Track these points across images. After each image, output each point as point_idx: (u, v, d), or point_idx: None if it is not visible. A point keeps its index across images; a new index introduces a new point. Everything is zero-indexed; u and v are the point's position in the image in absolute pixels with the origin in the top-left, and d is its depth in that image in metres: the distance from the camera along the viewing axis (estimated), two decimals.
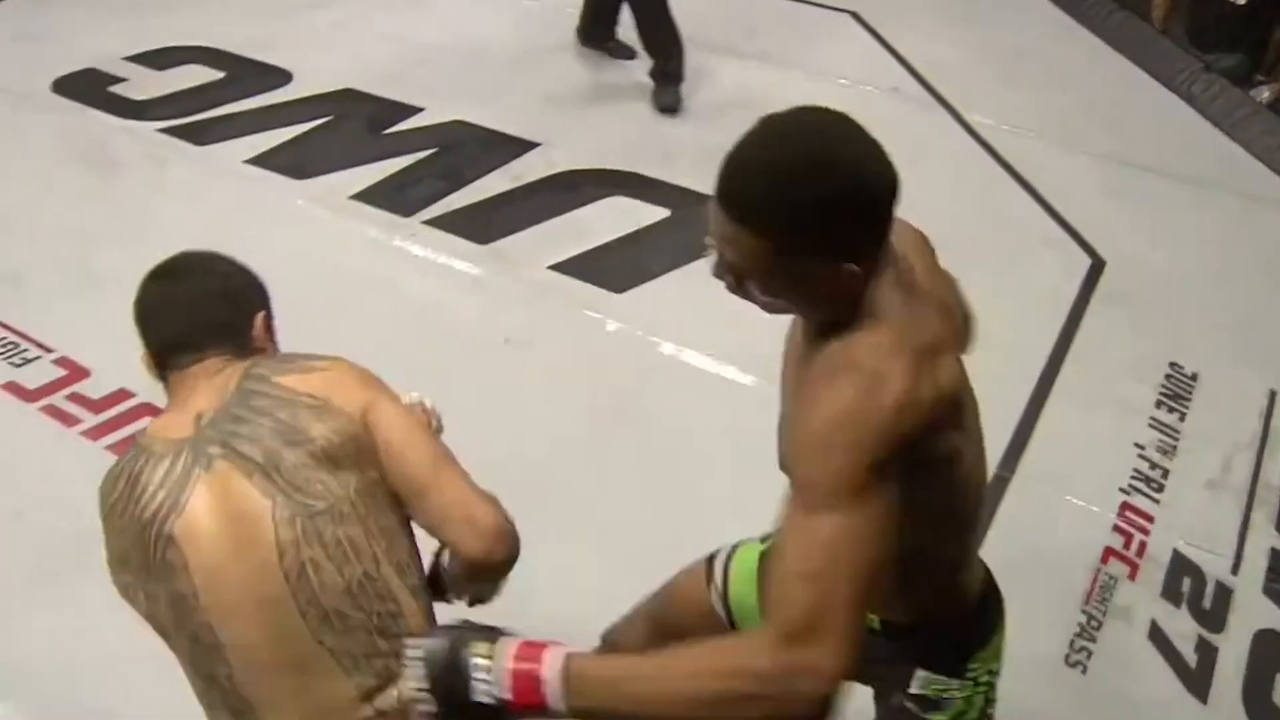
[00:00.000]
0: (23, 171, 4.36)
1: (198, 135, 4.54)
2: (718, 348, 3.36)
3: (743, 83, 4.80)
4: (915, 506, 1.23)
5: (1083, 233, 4.11)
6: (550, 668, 1.20)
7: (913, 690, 1.51)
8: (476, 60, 4.97)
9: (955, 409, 1.29)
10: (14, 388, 3.34)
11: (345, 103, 4.68)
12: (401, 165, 4.27)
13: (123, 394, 3.29)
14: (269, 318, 1.73)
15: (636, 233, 3.93)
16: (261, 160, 4.34)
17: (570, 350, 3.43)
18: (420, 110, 4.61)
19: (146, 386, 3.06)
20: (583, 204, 4.07)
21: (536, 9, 5.35)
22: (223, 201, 4.10)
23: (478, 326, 3.48)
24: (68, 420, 3.24)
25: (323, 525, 1.49)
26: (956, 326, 1.42)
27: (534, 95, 4.68)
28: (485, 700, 1.21)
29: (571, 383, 3.30)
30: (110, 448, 3.13)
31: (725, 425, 3.09)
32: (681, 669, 1.17)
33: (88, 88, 4.98)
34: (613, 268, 3.74)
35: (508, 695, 1.20)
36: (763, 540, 1.75)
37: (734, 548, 1.81)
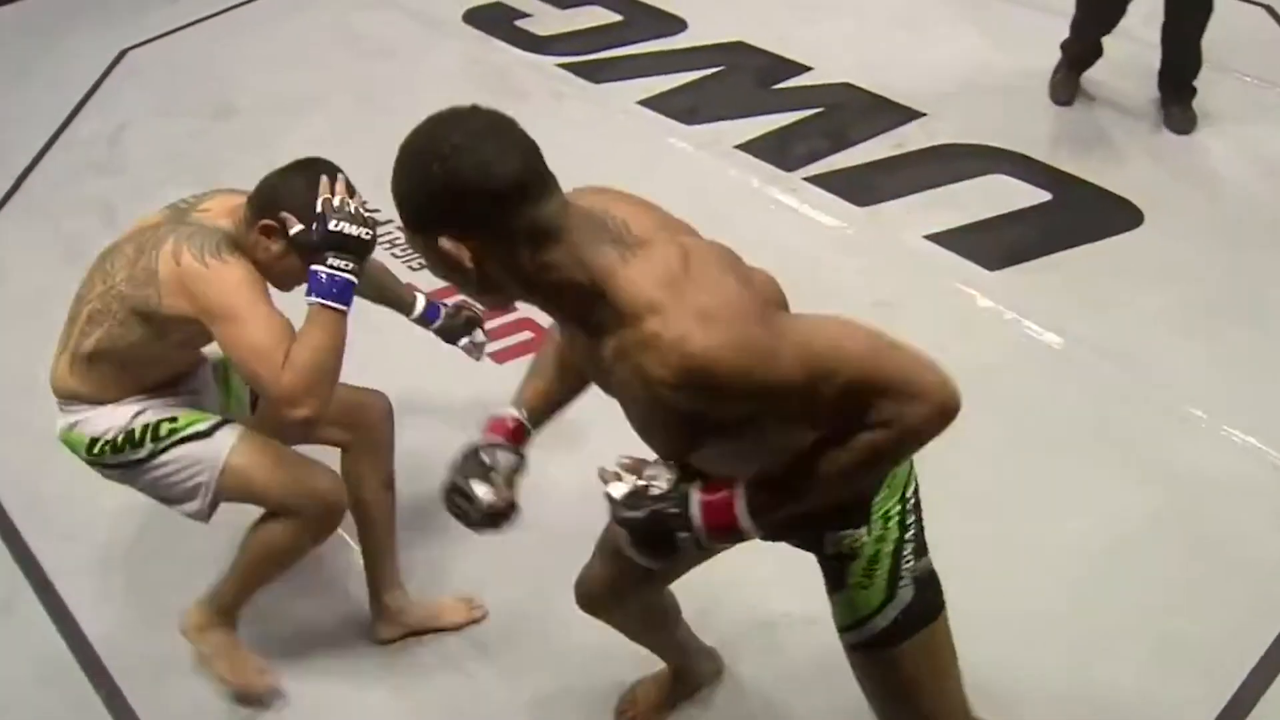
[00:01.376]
0: (433, 93, 4.77)
1: (594, 73, 4.93)
2: (1087, 338, 3.40)
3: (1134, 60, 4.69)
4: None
5: None
6: (738, 495, 1.53)
7: (827, 552, 1.74)
8: (867, 24, 5.11)
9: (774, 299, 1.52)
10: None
11: (737, 55, 4.94)
12: (787, 121, 4.49)
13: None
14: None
15: (1015, 212, 3.99)
16: (653, 103, 4.68)
17: (937, 321, 3.54)
18: (809, 69, 4.81)
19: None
20: (962, 178, 4.16)
21: None
22: (614, 137, 4.46)
23: (848, 286, 3.66)
24: None
25: None
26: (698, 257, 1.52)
27: (922, 65, 4.78)
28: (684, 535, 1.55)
29: (935, 355, 3.41)
30: (492, 354, 3.47)
31: (1086, 413, 3.15)
32: (837, 464, 1.50)
33: (495, 20, 5.50)
34: (988, 245, 3.83)
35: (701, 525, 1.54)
36: None
37: None
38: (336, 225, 2.08)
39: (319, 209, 2.09)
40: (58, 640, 2.86)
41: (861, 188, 4.12)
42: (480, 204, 1.42)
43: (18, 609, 2.97)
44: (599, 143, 4.41)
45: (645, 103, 4.67)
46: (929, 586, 1.78)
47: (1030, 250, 3.80)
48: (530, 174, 1.45)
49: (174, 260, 2.14)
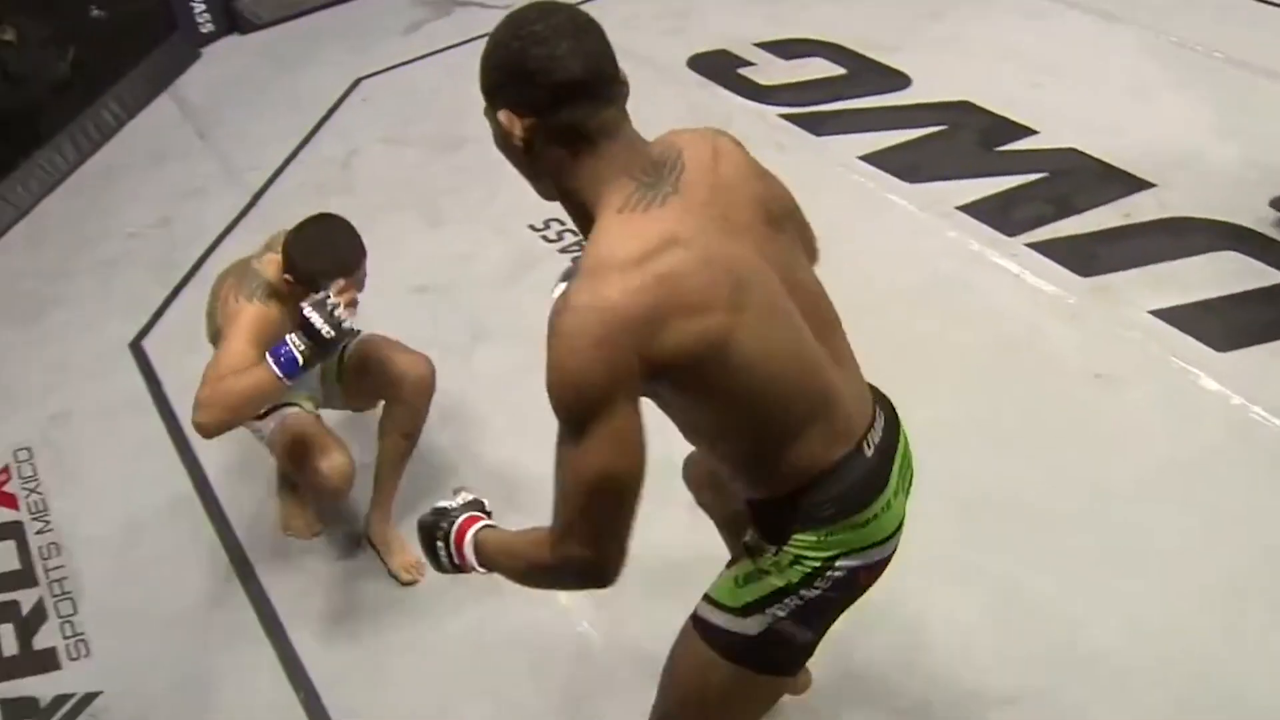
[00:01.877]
0: (652, 137, 4.99)
1: (816, 126, 5.01)
2: None
3: None
4: (699, 397, 1.65)
5: None
6: (468, 540, 1.89)
7: (745, 539, 1.85)
8: (1096, 88, 5.06)
9: (710, 300, 1.57)
10: None
11: (960, 114, 4.95)
12: (1010, 185, 4.47)
13: None
14: None
15: (1248, 292, 3.90)
16: (874, 159, 4.73)
17: (1156, 400, 3.50)
18: (1035, 133, 4.78)
19: None
20: (1193, 253, 4.08)
21: (1162, 44, 5.32)
22: (834, 191, 4.52)
23: (1066, 356, 3.64)
24: None
25: None
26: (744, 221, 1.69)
27: (1153, 133, 4.71)
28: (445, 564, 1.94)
29: (1154, 433, 3.39)
30: None
31: None
32: (517, 553, 1.79)
33: (718, 68, 5.63)
34: (1217, 324, 3.75)
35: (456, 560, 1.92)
36: None
37: None
38: (310, 315, 2.54)
39: (312, 298, 2.59)
40: None
41: (1085, 257, 4.07)
42: (535, 90, 1.58)
43: None
44: (818, 196, 4.36)
45: (866, 158, 4.71)
46: (778, 648, 1.82)
47: (1262, 333, 3.71)
48: (590, 78, 1.58)
49: (230, 298, 2.80)
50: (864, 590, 1.85)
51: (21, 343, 4.52)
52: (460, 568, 1.92)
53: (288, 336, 2.59)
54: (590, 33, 1.61)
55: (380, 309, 3.26)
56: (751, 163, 1.82)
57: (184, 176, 5.38)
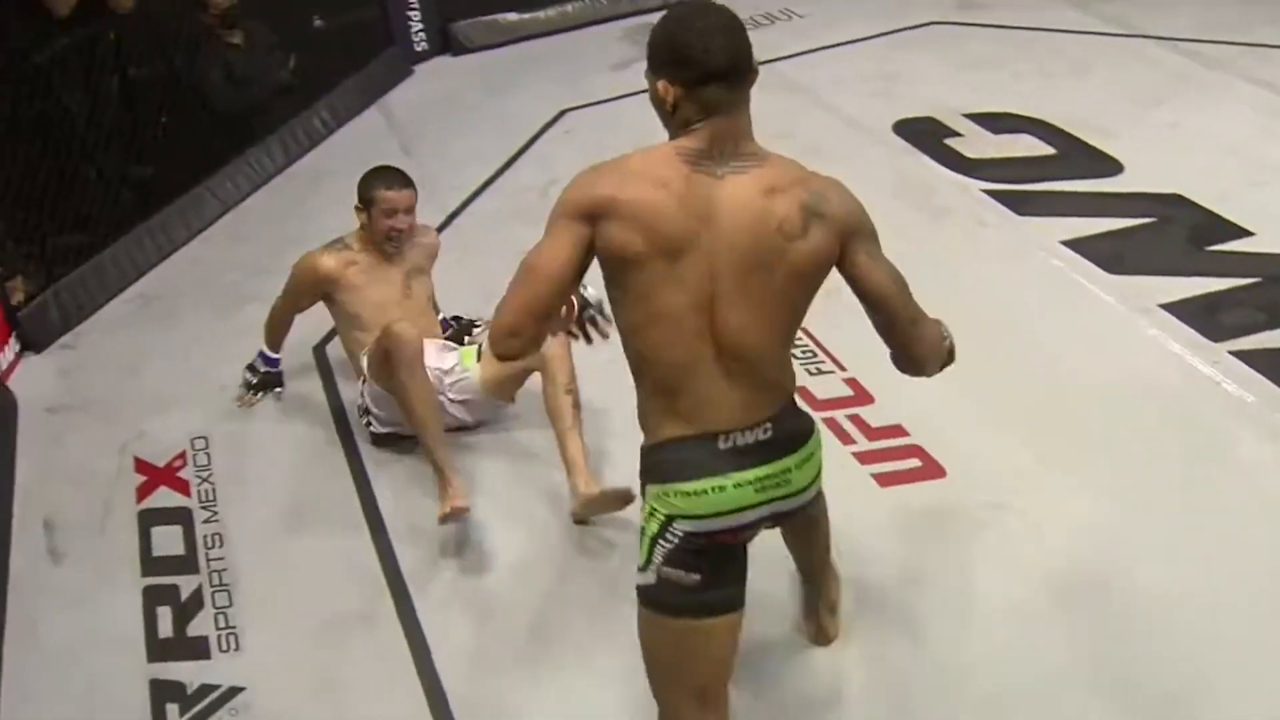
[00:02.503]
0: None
1: (1019, 204, 4.91)
2: None
3: None
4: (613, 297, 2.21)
5: None
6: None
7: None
8: None
9: (636, 224, 2.09)
10: (804, 393, 3.87)
11: (1172, 207, 4.80)
12: (1219, 286, 4.29)
13: (897, 430, 3.69)
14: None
15: None
16: (1077, 245, 4.60)
17: None
18: (1250, 234, 4.60)
19: (921, 428, 3.50)
20: None
21: None
22: (1032, 273, 4.43)
23: (1265, 472, 3.46)
24: (843, 438, 3.73)
25: None
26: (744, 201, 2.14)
27: None
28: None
29: None
30: (876, 476, 3.54)
31: None
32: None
33: (925, 135, 5.58)
34: None
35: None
36: None
37: None
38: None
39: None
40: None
41: None
42: (687, 69, 2.10)
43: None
44: (1014, 275, 4.40)
45: (1069, 243, 4.59)
46: (672, 590, 2.22)
47: None
48: (725, 70, 2.11)
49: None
50: (729, 547, 2.26)
51: (216, 333, 4.72)
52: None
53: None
54: (736, 33, 2.14)
55: None
56: (803, 232, 2.15)
57: None
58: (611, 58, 6.83)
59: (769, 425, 2.24)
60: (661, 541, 2.21)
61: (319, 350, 4.52)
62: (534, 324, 2.15)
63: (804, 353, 4.06)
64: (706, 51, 2.09)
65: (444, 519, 3.39)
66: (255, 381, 4.19)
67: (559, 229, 2.14)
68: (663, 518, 2.20)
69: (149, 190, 5.53)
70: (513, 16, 7.31)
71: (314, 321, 4.32)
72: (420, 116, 6.33)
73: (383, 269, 3.86)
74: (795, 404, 2.33)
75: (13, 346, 4.72)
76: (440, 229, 5.08)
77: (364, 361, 3.79)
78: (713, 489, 2.19)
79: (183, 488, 3.93)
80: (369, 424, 3.88)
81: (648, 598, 2.26)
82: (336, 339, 4.43)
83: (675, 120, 2.17)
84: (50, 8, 5.08)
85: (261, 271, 4.90)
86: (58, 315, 4.91)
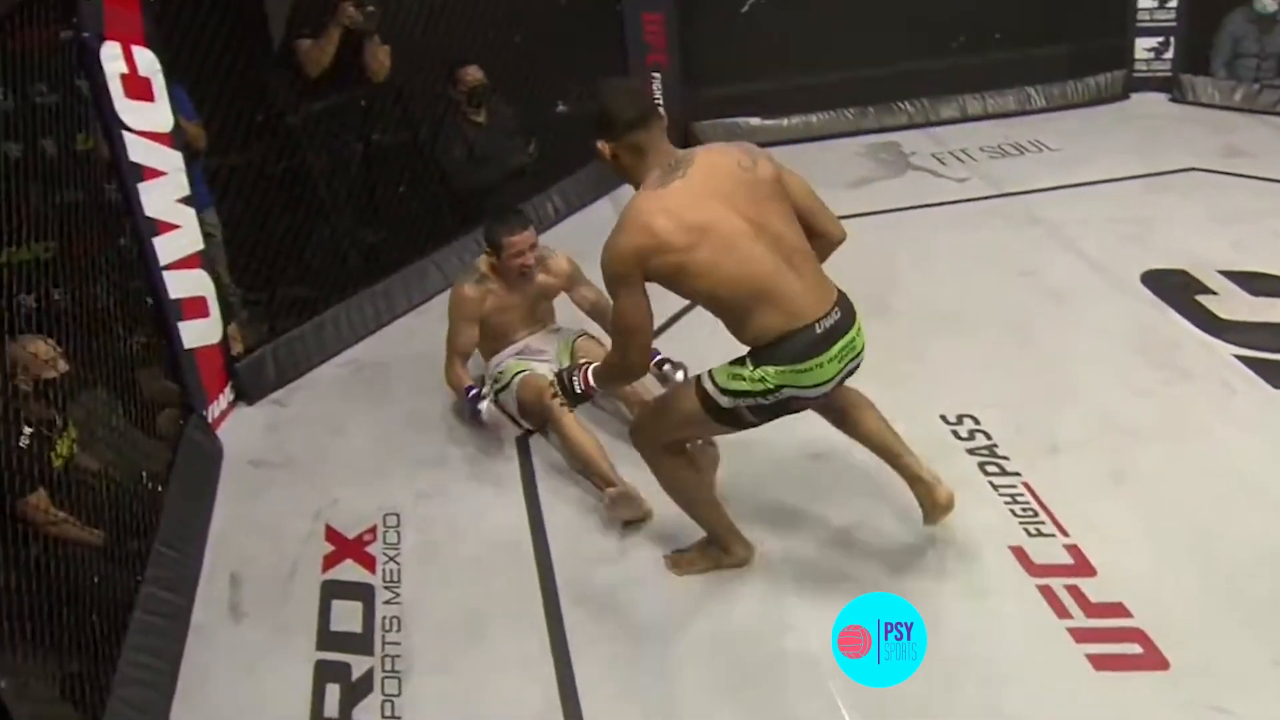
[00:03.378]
0: (1088, 344, 4.80)
1: (1274, 375, 4.57)
2: None
3: None
4: (678, 287, 3.11)
5: None
6: (587, 373, 3.31)
7: (743, 356, 3.16)
8: None
9: (674, 245, 3.00)
10: (1019, 552, 3.69)
11: None
12: None
13: (1119, 609, 3.45)
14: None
15: None
16: None
17: None
18: None
19: (1146, 609, 3.25)
20: None
21: None
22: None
23: None
24: (1059, 610, 3.50)
25: None
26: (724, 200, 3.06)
27: None
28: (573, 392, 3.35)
29: None
30: (1090, 657, 3.30)
31: None
32: (601, 368, 3.31)
33: (1175, 288, 5.28)
34: None
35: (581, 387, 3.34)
36: None
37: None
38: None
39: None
40: None
41: None
42: (613, 127, 3.08)
43: None
44: (1262, 450, 4.09)
45: None
46: (732, 417, 3.21)
47: None
48: (638, 119, 3.07)
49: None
50: (795, 411, 3.26)
51: (421, 409, 4.78)
52: (585, 393, 3.38)
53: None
54: (641, 94, 3.27)
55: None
56: (752, 163, 3.12)
57: None
58: (851, 174, 6.76)
59: (836, 308, 3.15)
60: (760, 397, 3.14)
61: (520, 440, 4.50)
62: (644, 361, 3.28)
63: (1023, 509, 3.85)
64: (621, 109, 3.08)
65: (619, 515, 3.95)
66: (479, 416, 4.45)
67: (631, 288, 3.06)
68: (773, 384, 3.11)
69: (376, 256, 5.69)
70: (755, 121, 7.32)
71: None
72: None
73: (513, 295, 4.49)
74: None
75: (227, 396, 4.87)
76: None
77: (491, 363, 4.62)
78: (816, 365, 3.11)
79: (369, 563, 3.95)
80: (476, 410, 4.38)
81: (711, 408, 3.21)
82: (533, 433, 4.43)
83: (620, 167, 3.15)
84: (305, 69, 5.28)
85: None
86: (274, 370, 5.05)
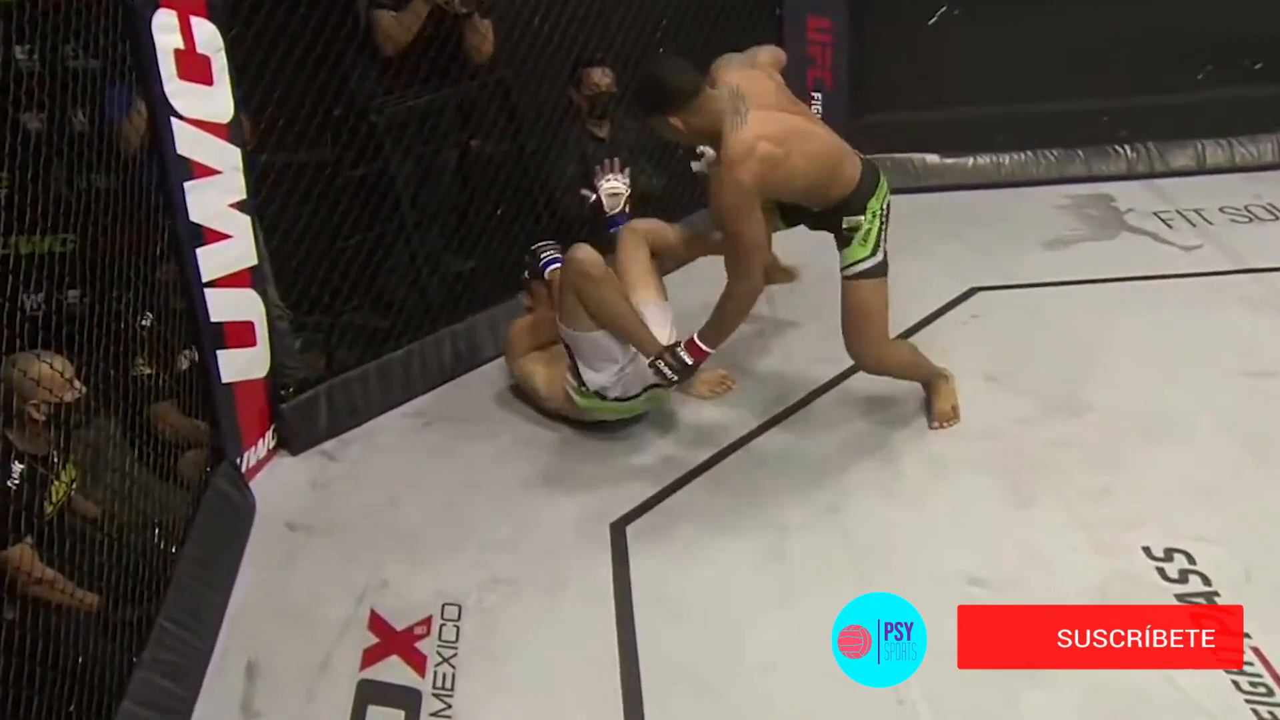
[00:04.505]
0: None
1: None
2: None
3: None
4: (782, 190, 4.32)
5: None
6: (693, 342, 4.45)
7: (843, 229, 4.41)
8: None
9: (779, 158, 4.13)
10: None
11: None
12: None
13: None
14: None
15: None
16: None
17: None
18: None
19: None
20: None
21: None
22: None
23: None
24: None
25: None
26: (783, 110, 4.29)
27: None
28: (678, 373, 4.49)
29: None
30: None
31: None
32: (720, 316, 4.41)
33: None
34: None
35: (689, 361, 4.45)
36: None
37: None
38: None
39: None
40: None
41: None
42: (682, 98, 4.09)
43: None
44: None
45: None
46: (885, 260, 4.42)
47: None
48: (699, 83, 4.10)
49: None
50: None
51: (494, 480, 4.71)
52: (692, 366, 4.39)
53: None
54: (683, 61, 4.28)
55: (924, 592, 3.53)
56: (773, 72, 4.48)
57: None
58: (1047, 230, 6.53)
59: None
60: (879, 226, 4.39)
61: (617, 527, 4.39)
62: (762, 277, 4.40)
63: (1252, 683, 3.56)
64: (679, 82, 4.11)
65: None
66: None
67: (749, 210, 4.11)
68: (877, 208, 4.39)
69: (462, 288, 5.59)
70: (932, 159, 7.12)
71: (624, 489, 4.27)
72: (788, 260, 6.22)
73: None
74: None
75: (267, 442, 4.81)
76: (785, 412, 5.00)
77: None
78: (880, 186, 4.44)
79: (418, 663, 3.84)
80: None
81: (877, 271, 4.42)
82: (643, 519, 4.42)
83: (700, 129, 4.16)
84: (381, 47, 5.21)
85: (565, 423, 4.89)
86: (326, 415, 4.98)
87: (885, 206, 4.40)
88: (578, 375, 4.74)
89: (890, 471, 4.59)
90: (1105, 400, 4.95)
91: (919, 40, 6.99)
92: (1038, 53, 6.89)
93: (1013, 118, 7.12)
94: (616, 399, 4.76)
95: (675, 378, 4.42)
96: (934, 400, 4.85)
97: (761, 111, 4.12)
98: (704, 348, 4.33)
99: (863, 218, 4.34)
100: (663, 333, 4.66)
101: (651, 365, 4.45)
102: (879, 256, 4.39)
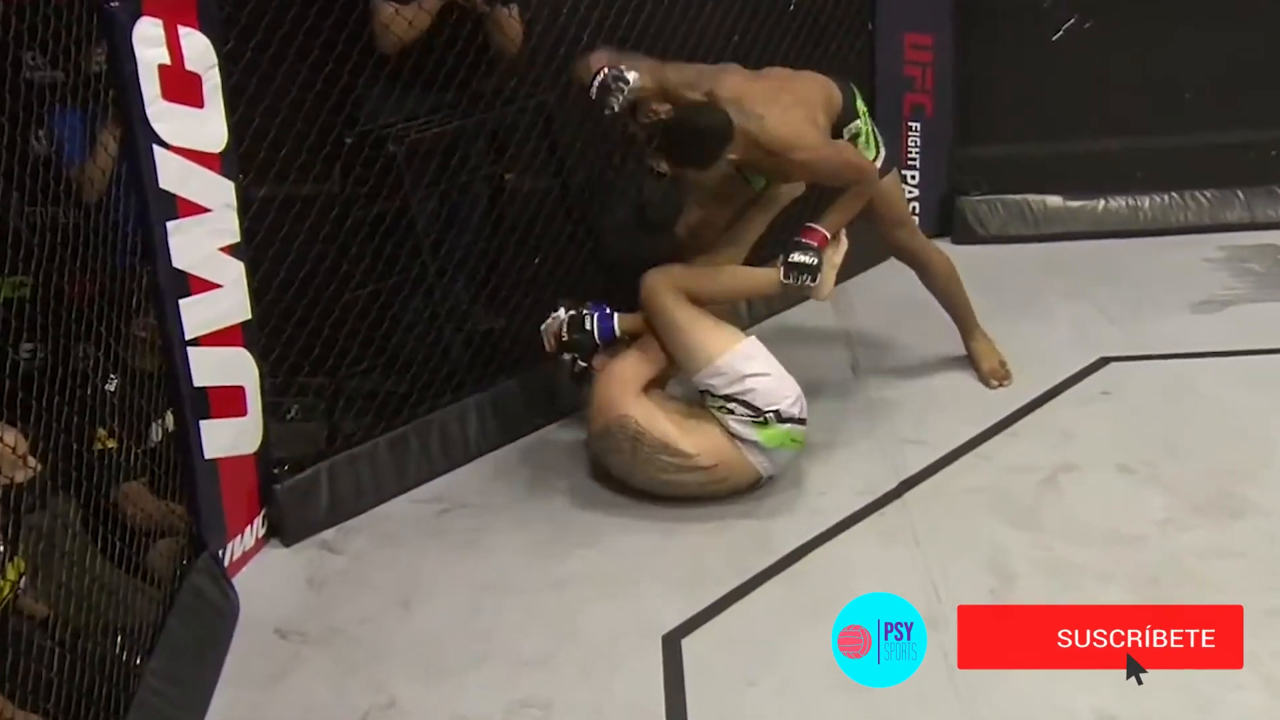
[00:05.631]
0: None
1: None
2: None
3: None
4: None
5: None
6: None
7: (845, 137, 5.41)
8: None
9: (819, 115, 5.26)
10: None
11: None
12: None
13: None
14: None
15: None
16: None
17: None
18: None
19: None
20: None
21: None
22: None
23: None
24: None
25: None
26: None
27: None
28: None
29: None
30: None
31: None
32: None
33: None
34: None
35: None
36: None
37: None
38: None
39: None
40: None
41: None
42: (730, 136, 4.91)
43: None
44: None
45: None
46: (889, 158, 5.52)
47: None
48: (730, 122, 4.89)
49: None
50: None
51: (525, 581, 4.69)
52: (817, 248, 5.03)
53: None
54: (711, 102, 5.00)
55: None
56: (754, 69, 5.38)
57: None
58: (1199, 289, 6.50)
59: None
60: (872, 126, 5.44)
61: (671, 640, 4.35)
62: None
63: None
64: (721, 128, 4.85)
65: None
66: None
67: (834, 145, 5.15)
68: (861, 111, 5.38)
69: (491, 349, 5.58)
70: (1054, 201, 7.08)
71: (684, 598, 4.31)
72: (887, 322, 6.17)
73: None
74: None
75: (256, 529, 4.78)
76: (871, 508, 5.03)
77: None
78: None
79: None
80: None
81: (887, 166, 5.39)
82: (701, 631, 4.39)
83: (741, 144, 4.91)
84: (379, 42, 5.18)
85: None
86: (326, 498, 4.95)
87: (861, 101, 5.42)
88: (750, 406, 4.82)
89: (1002, 578, 4.52)
90: (1273, 500, 4.89)
91: (1039, 58, 6.99)
92: (1186, 73, 6.89)
93: (1154, 152, 7.11)
94: (796, 419, 4.89)
95: (813, 260, 4.92)
96: (978, 361, 5.73)
97: (774, 95, 5.04)
98: (820, 229, 4.95)
99: (858, 120, 5.31)
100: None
101: (785, 277, 4.93)
102: (884, 151, 5.42)
